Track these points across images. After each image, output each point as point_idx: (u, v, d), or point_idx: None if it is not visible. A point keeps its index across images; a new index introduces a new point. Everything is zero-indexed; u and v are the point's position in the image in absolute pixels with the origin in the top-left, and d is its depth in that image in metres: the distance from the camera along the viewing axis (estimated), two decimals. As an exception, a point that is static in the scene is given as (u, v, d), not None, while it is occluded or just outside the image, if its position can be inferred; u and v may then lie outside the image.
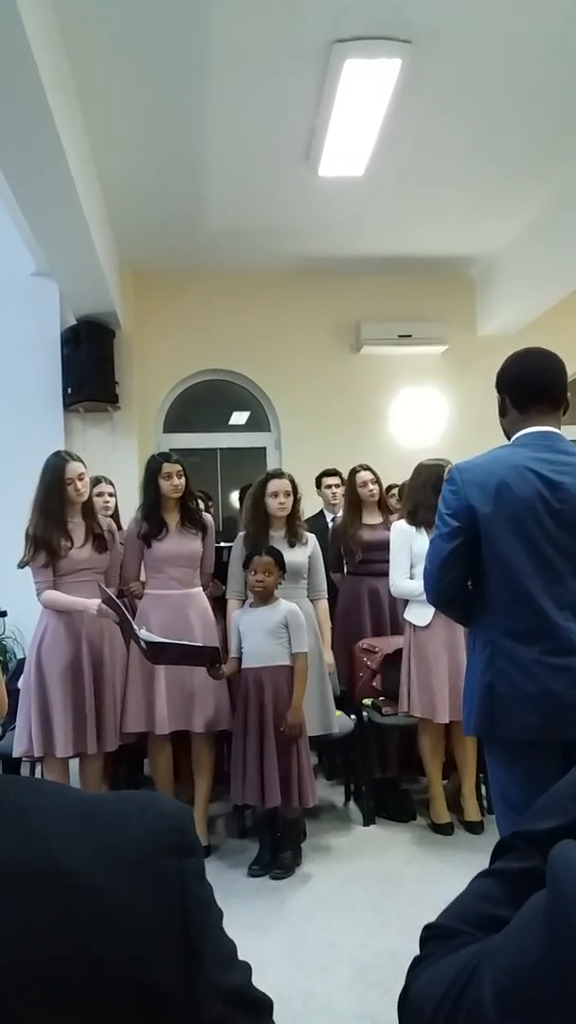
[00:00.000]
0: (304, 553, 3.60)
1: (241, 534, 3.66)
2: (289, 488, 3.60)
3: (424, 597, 2.30)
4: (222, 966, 0.64)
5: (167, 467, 3.51)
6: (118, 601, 3.22)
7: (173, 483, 3.50)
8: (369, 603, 4.18)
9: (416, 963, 0.73)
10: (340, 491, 4.87)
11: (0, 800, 0.63)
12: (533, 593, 1.90)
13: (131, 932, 0.59)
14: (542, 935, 0.58)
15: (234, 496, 6.05)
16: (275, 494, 3.58)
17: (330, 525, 4.69)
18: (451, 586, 2.04)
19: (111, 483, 4.33)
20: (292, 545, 3.55)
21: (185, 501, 3.58)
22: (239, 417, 6.55)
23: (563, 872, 0.58)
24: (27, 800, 0.64)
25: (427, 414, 6.36)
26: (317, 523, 4.79)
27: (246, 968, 0.67)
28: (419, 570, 2.84)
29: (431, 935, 0.75)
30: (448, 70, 3.71)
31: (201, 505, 3.79)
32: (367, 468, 4.24)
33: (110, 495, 4.29)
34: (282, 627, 3.27)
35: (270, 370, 6.30)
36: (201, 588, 3.61)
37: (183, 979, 0.60)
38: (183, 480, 3.53)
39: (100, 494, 4.21)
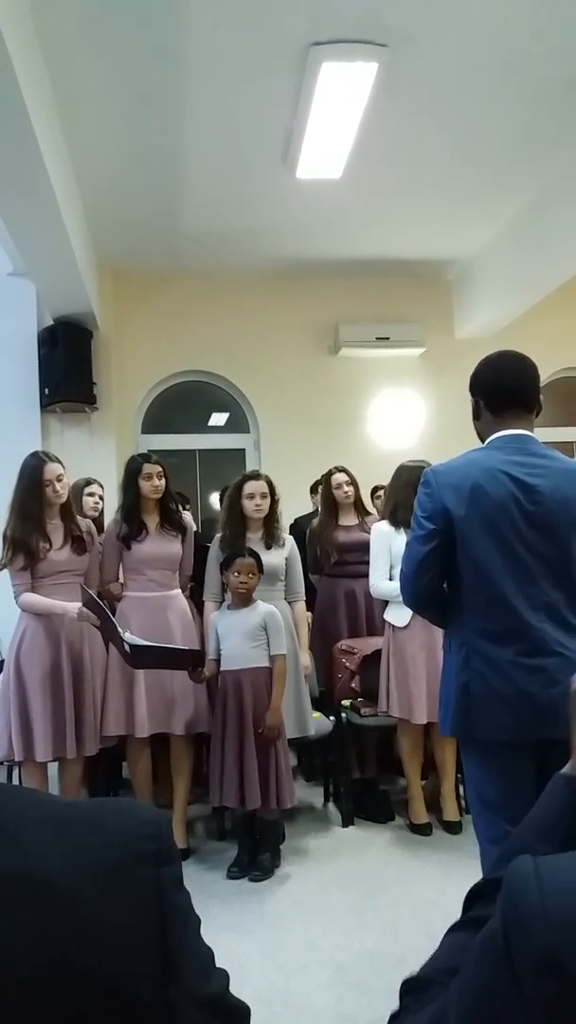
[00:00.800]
0: (281, 555, 3.60)
1: (218, 536, 3.65)
2: (265, 490, 3.58)
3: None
4: (200, 975, 0.64)
5: (147, 468, 3.50)
6: (101, 603, 3.20)
7: (153, 484, 3.49)
8: (345, 604, 4.19)
9: (393, 1018, 0.74)
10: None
11: None
12: (507, 595, 1.92)
13: (108, 941, 0.58)
14: (497, 945, 0.59)
15: (213, 498, 6.05)
16: (251, 496, 3.57)
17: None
18: (427, 588, 2.06)
19: (101, 485, 4.31)
20: (269, 547, 3.54)
21: (165, 502, 3.56)
22: (218, 418, 6.54)
23: (516, 882, 0.59)
24: (3, 806, 0.63)
25: (405, 416, 6.39)
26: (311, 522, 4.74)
27: (224, 976, 0.67)
28: (398, 571, 2.86)
29: (408, 989, 0.75)
30: (425, 74, 3.73)
31: (180, 507, 3.78)
32: (342, 470, 4.25)
33: (100, 497, 4.26)
34: (260, 629, 3.26)
35: (249, 371, 6.30)
36: (180, 590, 3.60)
37: (160, 988, 0.60)
38: (163, 481, 3.52)
39: (91, 494, 4.19)
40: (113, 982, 0.58)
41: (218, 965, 0.68)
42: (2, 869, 0.58)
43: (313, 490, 5.08)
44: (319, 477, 5.00)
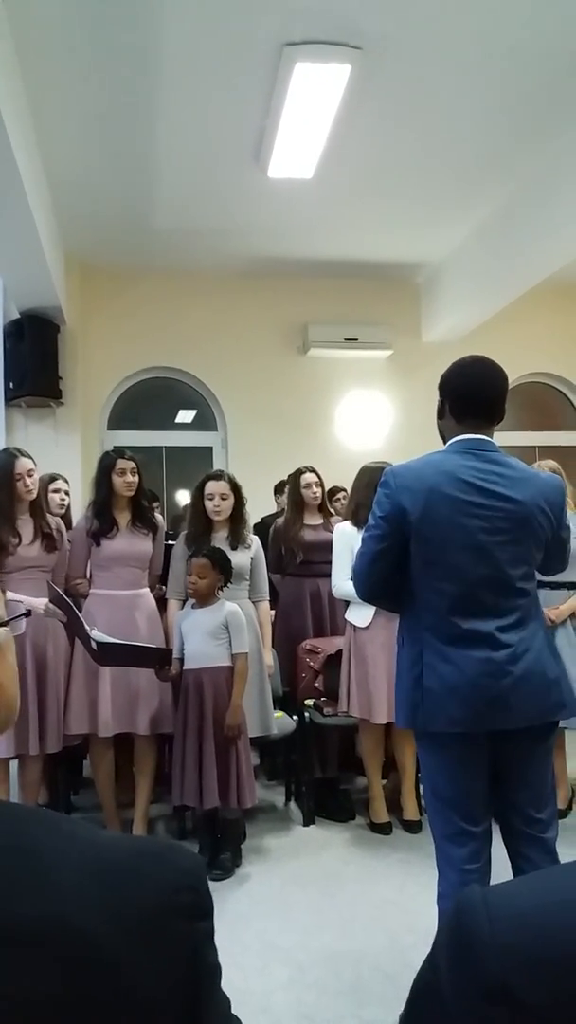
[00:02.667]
0: (247, 555, 3.59)
1: (183, 534, 3.63)
2: (225, 490, 3.54)
3: (366, 598, 2.34)
4: None
5: (121, 463, 3.46)
6: (67, 600, 3.16)
7: (126, 480, 3.45)
8: (311, 604, 4.19)
9: None
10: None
11: (17, 842, 0.59)
12: (456, 594, 1.96)
13: (140, 1002, 0.56)
14: (437, 976, 0.59)
15: (180, 495, 6.02)
16: (211, 496, 3.53)
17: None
18: (378, 584, 2.10)
19: (67, 481, 4.25)
20: (234, 547, 3.52)
21: (138, 499, 3.53)
22: (185, 415, 6.51)
23: (464, 909, 0.59)
24: (43, 842, 0.60)
25: (372, 417, 6.43)
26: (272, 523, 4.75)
27: None
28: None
29: None
30: (398, 79, 3.76)
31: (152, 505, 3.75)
32: (312, 470, 4.26)
33: (66, 493, 4.21)
34: (223, 628, 3.25)
35: (217, 369, 6.28)
36: (148, 589, 3.57)
37: None
38: (136, 478, 3.48)
39: (57, 491, 4.13)
40: None
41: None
42: (40, 918, 0.55)
43: (277, 490, 5.08)
44: (284, 477, 5.02)
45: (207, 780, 3.11)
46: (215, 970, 0.64)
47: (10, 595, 3.23)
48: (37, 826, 0.63)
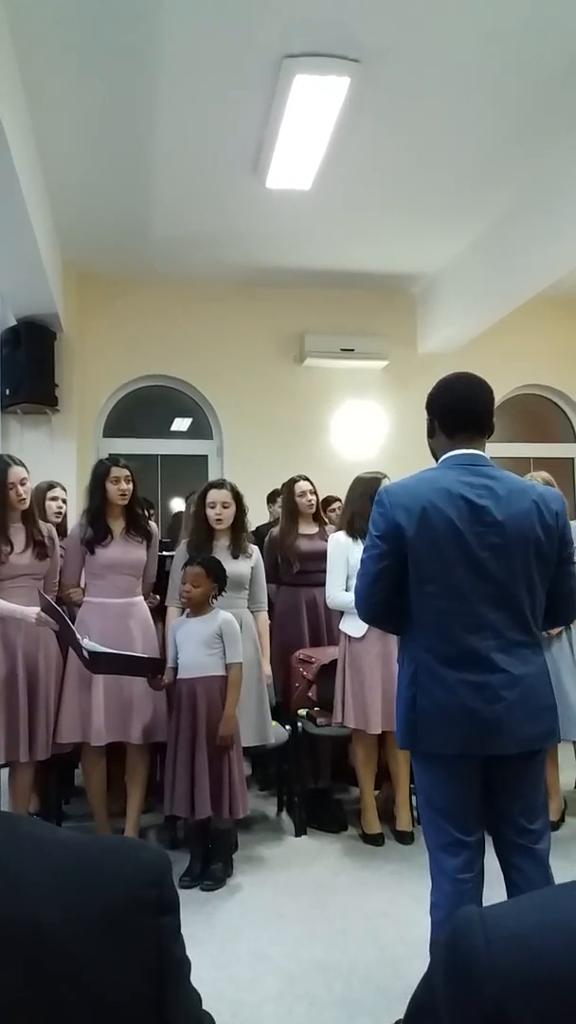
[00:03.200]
0: (247, 565, 3.58)
1: (183, 542, 3.63)
2: (227, 499, 3.55)
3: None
4: None
5: (116, 471, 3.46)
6: (59, 609, 3.16)
7: (121, 488, 3.45)
8: (307, 613, 4.19)
9: None
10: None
11: None
12: (452, 614, 1.94)
13: (105, 997, 0.57)
14: (431, 984, 0.59)
15: (174, 503, 6.01)
16: (212, 504, 3.54)
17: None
18: (380, 605, 2.08)
19: (64, 489, 4.24)
20: (235, 556, 3.52)
21: (132, 507, 3.52)
22: (181, 423, 6.51)
23: (461, 930, 0.59)
24: (4, 844, 0.60)
25: (367, 427, 6.44)
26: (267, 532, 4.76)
27: (211, 1021, 0.67)
28: (355, 582, 2.87)
29: None
30: (396, 92, 3.79)
31: (146, 513, 3.74)
32: (305, 478, 4.26)
33: (63, 501, 4.19)
34: (217, 638, 3.25)
35: (213, 378, 6.29)
36: (143, 597, 3.56)
37: None
38: (131, 486, 3.48)
39: (54, 499, 4.12)
40: None
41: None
42: (2, 915, 0.56)
43: (270, 499, 5.08)
44: (279, 486, 5.02)
45: (199, 790, 3.10)
46: (182, 964, 0.64)
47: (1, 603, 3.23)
48: None
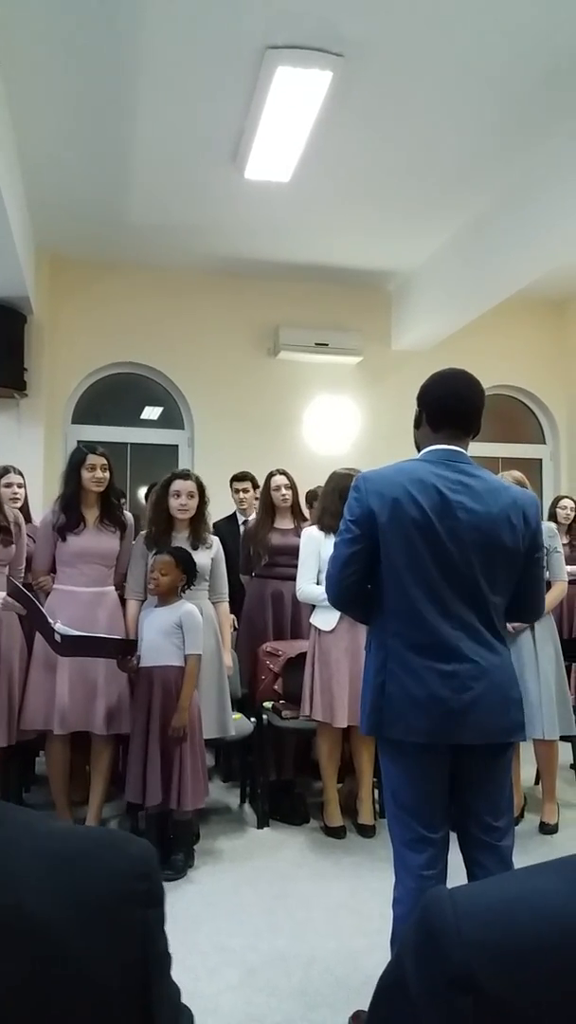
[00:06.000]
0: (208, 555, 3.57)
1: (143, 533, 3.60)
2: (193, 489, 3.54)
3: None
4: (172, 1019, 0.64)
5: (92, 459, 3.42)
6: (28, 593, 3.12)
7: (96, 476, 3.41)
8: (272, 606, 4.20)
9: None
10: (249, 495, 4.90)
11: None
12: (423, 602, 1.96)
13: (94, 987, 0.57)
14: (401, 960, 0.60)
15: (142, 492, 5.97)
16: (177, 494, 3.52)
17: (241, 529, 4.69)
18: (349, 589, 2.09)
19: (20, 473, 4.19)
20: (195, 547, 3.51)
21: (107, 496, 3.49)
22: (151, 412, 6.46)
23: (430, 905, 0.60)
24: None
25: (340, 422, 6.45)
26: (229, 526, 4.78)
27: (189, 1017, 0.68)
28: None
29: None
30: (378, 88, 3.79)
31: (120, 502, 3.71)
32: (282, 472, 4.25)
33: (19, 486, 4.13)
34: (177, 627, 3.24)
35: (186, 367, 6.25)
36: (113, 587, 3.53)
37: None
38: (107, 474, 3.45)
39: (8, 485, 4.05)
40: None
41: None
42: None
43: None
44: (231, 473, 5.06)
45: (150, 778, 3.09)
46: (166, 958, 0.65)
47: None
48: None
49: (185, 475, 3.61)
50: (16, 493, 4.08)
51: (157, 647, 3.22)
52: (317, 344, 6.26)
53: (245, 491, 4.96)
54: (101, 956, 0.58)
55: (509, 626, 3.35)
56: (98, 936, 0.58)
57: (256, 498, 4.88)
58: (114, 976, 0.58)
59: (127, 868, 0.62)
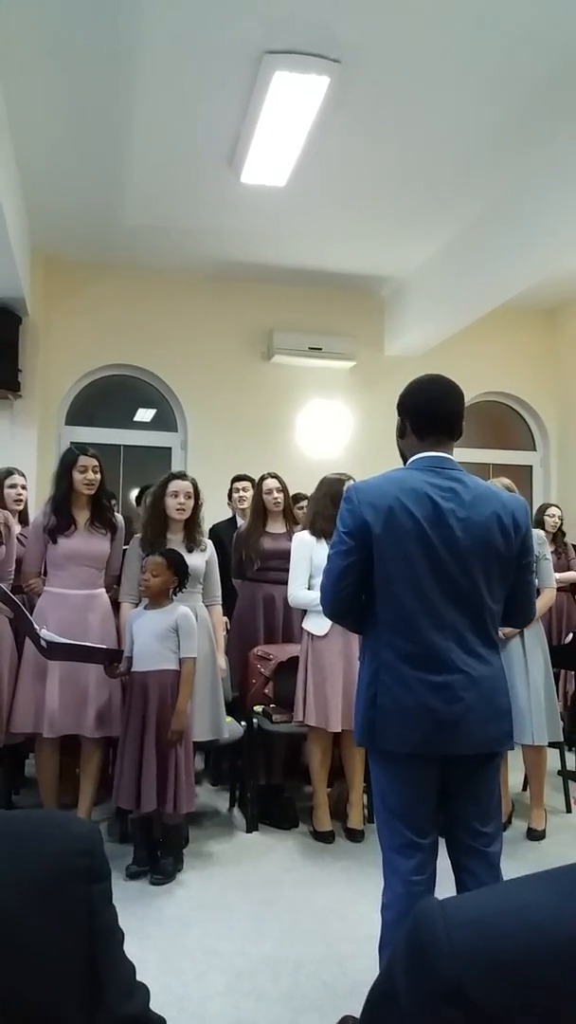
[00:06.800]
0: (202, 558, 3.58)
1: (137, 536, 3.60)
2: (190, 490, 3.54)
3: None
4: (123, 993, 0.65)
5: (83, 460, 3.41)
6: (14, 597, 3.11)
7: (88, 478, 3.40)
8: (264, 609, 4.19)
9: None
10: (250, 495, 4.89)
11: None
12: (415, 613, 1.97)
13: (36, 960, 0.58)
14: (392, 971, 0.60)
15: (134, 495, 5.96)
16: (175, 494, 3.53)
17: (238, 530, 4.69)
18: (344, 601, 2.09)
19: (23, 475, 4.17)
20: (190, 550, 3.51)
21: (98, 498, 3.48)
22: (144, 414, 6.46)
23: (421, 917, 0.61)
24: None
25: (333, 427, 6.47)
26: (229, 529, 4.77)
27: (145, 992, 0.68)
28: (318, 581, 2.88)
29: None
30: (375, 95, 3.81)
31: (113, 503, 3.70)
32: (274, 476, 4.25)
33: (22, 488, 4.11)
34: (172, 631, 3.23)
35: (180, 370, 6.26)
36: (104, 590, 3.53)
37: (86, 1008, 0.60)
38: (98, 476, 3.44)
39: (13, 486, 4.04)
40: (40, 1002, 0.57)
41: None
42: None
43: (231, 496, 5.10)
44: (225, 475, 5.07)
45: (145, 783, 3.09)
46: (115, 931, 0.66)
47: None
48: None
49: (182, 476, 3.63)
50: (20, 495, 4.07)
51: (151, 651, 3.21)
52: (311, 348, 6.27)
53: (246, 490, 4.94)
54: (46, 929, 0.59)
55: (500, 631, 3.36)
56: (39, 910, 0.60)
57: None
58: (60, 949, 0.60)
59: (71, 845, 0.64)
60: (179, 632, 3.22)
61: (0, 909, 0.58)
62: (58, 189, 4.86)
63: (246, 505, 4.86)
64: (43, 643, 3.03)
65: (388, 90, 3.78)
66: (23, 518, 3.96)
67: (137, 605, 3.48)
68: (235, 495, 5.03)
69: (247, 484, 4.96)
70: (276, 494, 4.19)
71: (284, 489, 4.22)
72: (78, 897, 0.62)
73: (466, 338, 6.15)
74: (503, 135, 4.17)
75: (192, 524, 3.58)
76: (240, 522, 4.92)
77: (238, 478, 5.05)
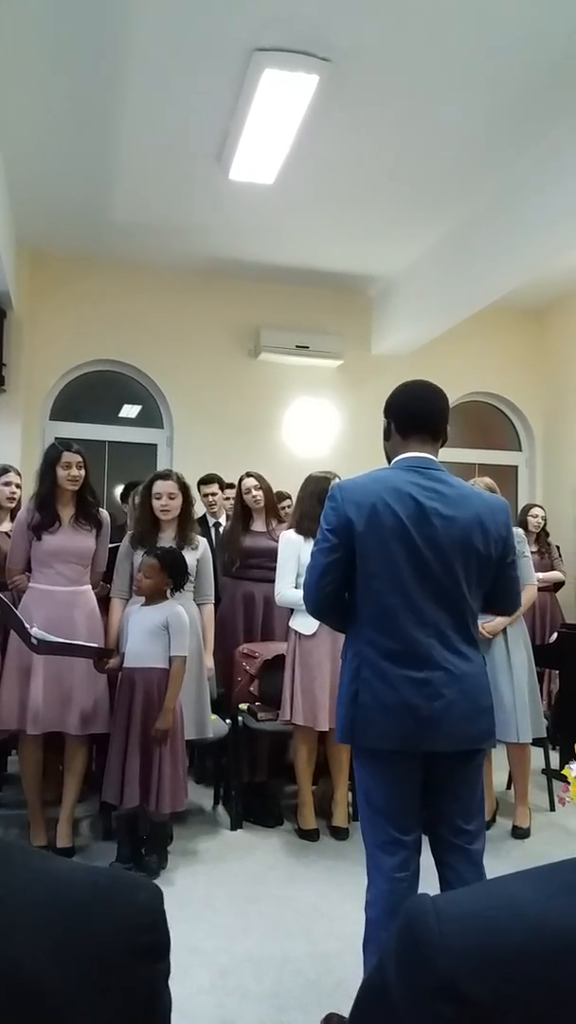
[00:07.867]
0: (193, 556, 3.57)
1: (128, 533, 3.59)
2: (173, 490, 3.53)
3: (308, 607, 2.34)
4: None
5: (67, 456, 3.38)
6: (1, 595, 3.09)
7: (71, 474, 3.38)
8: (243, 607, 4.18)
9: None
10: (218, 497, 4.91)
11: None
12: (397, 610, 1.98)
13: None
14: (383, 967, 0.60)
15: (119, 491, 5.94)
16: (158, 495, 3.52)
17: (212, 531, 4.69)
18: (328, 598, 2.10)
19: (19, 473, 4.13)
20: (181, 548, 3.50)
21: (83, 494, 3.46)
22: (130, 411, 6.43)
23: (413, 912, 0.61)
24: None
25: (319, 425, 6.47)
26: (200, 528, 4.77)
27: None
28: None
29: None
30: (364, 94, 3.81)
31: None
32: (251, 475, 4.24)
33: (16, 486, 4.07)
34: (163, 628, 3.22)
35: (166, 366, 6.24)
36: (90, 586, 3.51)
37: None
38: (82, 472, 3.41)
39: (8, 483, 4.01)
40: None
41: None
42: None
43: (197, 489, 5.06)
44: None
45: (129, 780, 3.08)
46: (169, 1009, 0.62)
47: None
48: None
49: (166, 475, 3.61)
50: (13, 493, 4.03)
51: (141, 649, 3.20)
52: (298, 346, 6.27)
53: (213, 493, 4.96)
54: (101, 1013, 0.55)
55: (482, 628, 3.38)
56: (98, 994, 0.55)
57: (226, 499, 4.88)
58: None
59: (133, 919, 0.59)
60: (170, 630, 3.22)
61: (48, 993, 0.53)
62: (45, 184, 4.83)
63: (216, 508, 4.87)
64: (33, 640, 3.01)
65: (378, 90, 3.78)
66: (16, 516, 3.93)
67: (127, 601, 3.47)
68: (203, 499, 4.98)
69: (214, 487, 4.96)
70: (255, 492, 4.18)
71: (263, 486, 4.21)
72: (140, 980, 0.58)
73: (453, 338, 6.17)
74: (492, 136, 4.19)
75: (184, 522, 3.57)
76: (211, 521, 4.92)
77: (204, 480, 4.99)
